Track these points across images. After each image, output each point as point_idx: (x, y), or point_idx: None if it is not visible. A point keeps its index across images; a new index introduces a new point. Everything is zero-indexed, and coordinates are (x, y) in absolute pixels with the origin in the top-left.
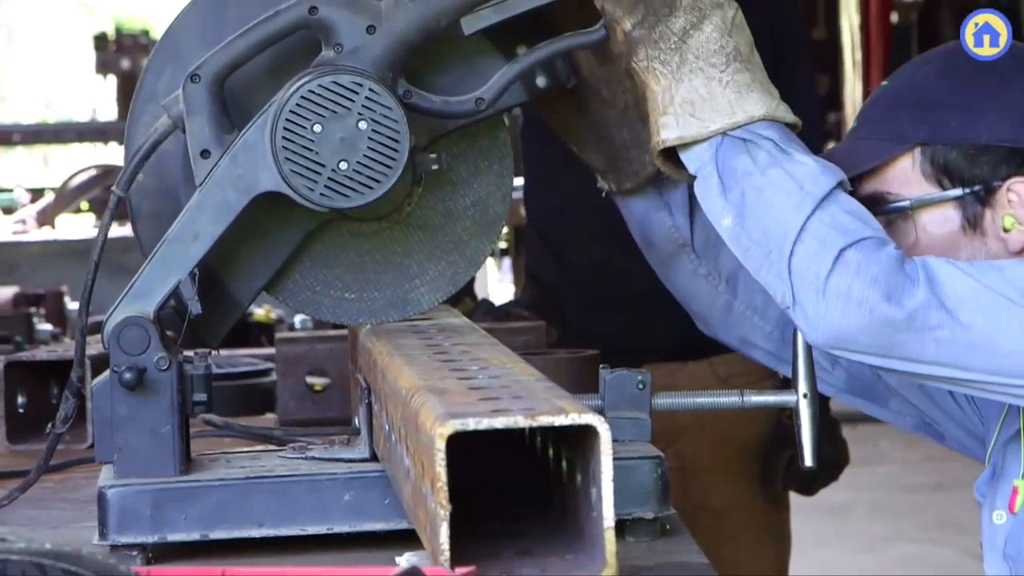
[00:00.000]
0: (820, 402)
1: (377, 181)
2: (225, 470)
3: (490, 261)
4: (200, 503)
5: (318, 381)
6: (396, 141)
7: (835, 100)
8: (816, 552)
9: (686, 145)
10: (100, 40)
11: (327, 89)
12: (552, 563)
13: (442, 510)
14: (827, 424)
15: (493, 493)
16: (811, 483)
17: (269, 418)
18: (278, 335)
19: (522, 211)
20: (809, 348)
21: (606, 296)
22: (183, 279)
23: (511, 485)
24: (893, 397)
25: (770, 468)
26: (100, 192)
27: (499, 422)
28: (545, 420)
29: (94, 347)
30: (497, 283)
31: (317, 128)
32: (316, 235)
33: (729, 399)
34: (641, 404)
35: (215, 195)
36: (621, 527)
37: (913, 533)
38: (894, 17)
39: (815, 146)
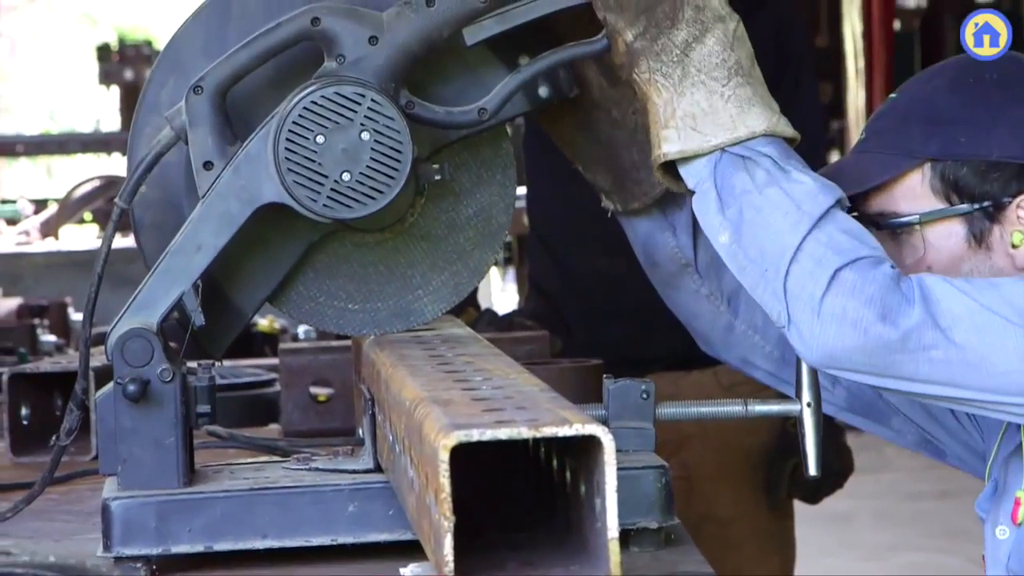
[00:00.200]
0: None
1: (380, 192)
2: (229, 482)
3: (494, 271)
4: (204, 515)
5: (322, 392)
6: (399, 152)
7: (838, 108)
8: (820, 560)
9: (686, 159)
10: (103, 51)
11: (330, 100)
12: (556, 574)
13: (446, 521)
14: (831, 432)
15: (497, 504)
16: (815, 491)
17: (273, 429)
18: (282, 346)
19: (525, 221)
20: None
21: (610, 306)
22: (186, 291)
23: (515, 495)
24: (894, 416)
25: (774, 476)
26: (103, 203)
27: (503, 433)
28: (549, 431)
29: (98, 359)
30: (500, 293)
31: (320, 139)
32: (319, 246)
33: (733, 408)
34: (645, 414)
35: (218, 206)
36: (625, 537)
37: (918, 541)
38: (897, 24)
39: (818, 155)
